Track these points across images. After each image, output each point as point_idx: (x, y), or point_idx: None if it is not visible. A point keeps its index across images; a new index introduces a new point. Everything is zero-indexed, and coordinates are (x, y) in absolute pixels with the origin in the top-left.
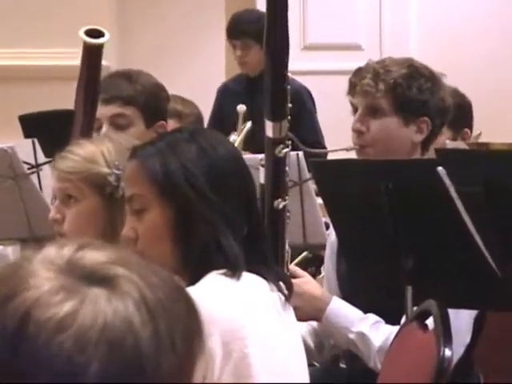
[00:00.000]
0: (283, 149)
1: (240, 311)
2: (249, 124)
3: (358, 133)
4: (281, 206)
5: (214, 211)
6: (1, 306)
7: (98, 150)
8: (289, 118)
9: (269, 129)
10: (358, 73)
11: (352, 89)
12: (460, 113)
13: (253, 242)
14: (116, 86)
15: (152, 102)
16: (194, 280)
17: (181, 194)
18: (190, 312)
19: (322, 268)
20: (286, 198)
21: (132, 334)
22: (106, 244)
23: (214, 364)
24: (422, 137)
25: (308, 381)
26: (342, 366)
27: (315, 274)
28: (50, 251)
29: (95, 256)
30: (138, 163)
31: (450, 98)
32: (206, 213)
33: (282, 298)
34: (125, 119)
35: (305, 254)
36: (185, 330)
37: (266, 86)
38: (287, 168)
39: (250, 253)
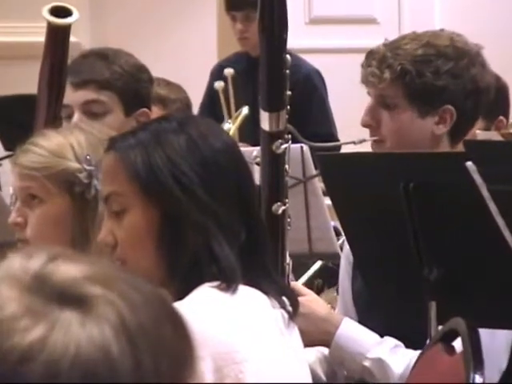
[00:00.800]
0: (282, 144)
1: (235, 332)
2: (245, 110)
3: (367, 127)
4: (280, 211)
5: (206, 214)
6: None
7: (67, 143)
8: (288, 107)
9: (264, 121)
10: (368, 57)
11: (361, 76)
12: (495, 98)
13: (252, 249)
14: (90, 68)
15: (132, 86)
16: (182, 294)
17: (167, 192)
18: (178, 333)
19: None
20: (286, 201)
21: (109, 363)
22: (80, 254)
23: None
24: (445, 128)
25: None
26: None
27: (323, 288)
28: (15, 263)
29: (67, 270)
30: (116, 156)
31: (488, 75)
32: (197, 215)
33: (286, 315)
34: (100, 106)
35: (320, 263)
36: (171, 355)
37: (261, 70)
38: (287, 166)
39: (248, 262)
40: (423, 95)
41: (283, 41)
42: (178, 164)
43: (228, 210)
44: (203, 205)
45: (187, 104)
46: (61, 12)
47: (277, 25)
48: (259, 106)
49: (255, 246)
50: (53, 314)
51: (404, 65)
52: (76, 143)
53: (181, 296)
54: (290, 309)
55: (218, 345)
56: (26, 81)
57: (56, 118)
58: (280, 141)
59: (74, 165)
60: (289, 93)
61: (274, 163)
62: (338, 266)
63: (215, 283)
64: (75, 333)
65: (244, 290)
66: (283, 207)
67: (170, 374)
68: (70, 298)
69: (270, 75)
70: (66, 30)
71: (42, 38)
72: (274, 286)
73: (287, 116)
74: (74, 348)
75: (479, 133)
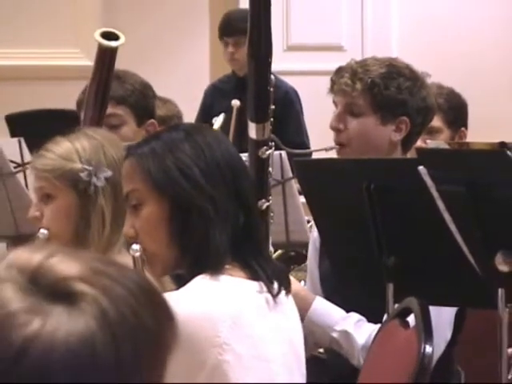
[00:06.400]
0: (267, 150)
1: (217, 317)
2: (220, 118)
3: (335, 131)
4: (264, 207)
5: (207, 199)
6: None
7: (73, 147)
8: (272, 119)
9: (252, 130)
10: (338, 71)
11: (332, 87)
12: (458, 113)
13: (248, 236)
14: None
15: (141, 100)
16: (191, 273)
17: (174, 184)
18: (159, 319)
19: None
20: (270, 198)
21: (94, 355)
22: (73, 251)
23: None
24: (400, 136)
25: (304, 379)
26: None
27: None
28: (13, 265)
29: (59, 269)
30: (133, 161)
31: (433, 98)
32: (199, 201)
33: (271, 299)
34: (117, 119)
35: (279, 252)
36: (152, 340)
37: (249, 87)
38: (270, 168)
39: (245, 248)
40: (387, 105)
41: (268, 63)
42: (184, 161)
43: (226, 198)
44: (205, 192)
45: (180, 117)
46: (110, 36)
47: (264, 49)
48: (246, 118)
49: (251, 234)
50: (45, 310)
51: (373, 78)
52: (80, 147)
53: (191, 273)
54: (275, 292)
55: (199, 329)
56: (50, 98)
57: (100, 124)
58: (265, 147)
59: (78, 165)
60: (272, 107)
61: (260, 166)
62: (297, 252)
63: (206, 275)
64: (65, 326)
65: (229, 279)
66: (267, 203)
67: (151, 357)
68: (59, 295)
69: (256, 92)
70: (113, 52)
71: (64, 62)
72: (267, 268)
73: (271, 127)
74: (64, 340)
75: (429, 142)
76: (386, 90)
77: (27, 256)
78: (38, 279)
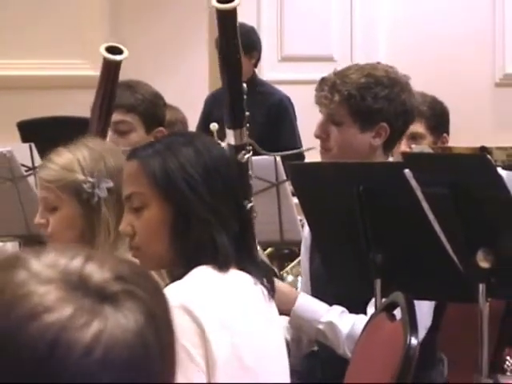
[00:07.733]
0: (245, 154)
1: (224, 302)
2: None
3: (319, 138)
4: (247, 208)
5: (209, 210)
6: (19, 328)
7: (74, 158)
8: (248, 125)
9: (230, 137)
10: (320, 84)
11: (315, 99)
12: (440, 120)
13: (242, 239)
14: (119, 96)
15: (151, 109)
16: (186, 269)
17: (179, 193)
18: (170, 313)
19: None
20: (252, 199)
21: (147, 348)
22: (102, 254)
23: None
24: (380, 141)
25: (288, 373)
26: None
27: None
28: (55, 267)
29: (100, 272)
30: (138, 163)
31: (414, 98)
32: (202, 211)
33: (265, 291)
34: (126, 125)
35: (270, 249)
36: (172, 334)
37: (225, 98)
38: (250, 171)
39: (239, 248)
40: (364, 115)
41: (240, 76)
42: (188, 170)
43: (225, 207)
44: (207, 203)
45: (185, 122)
46: (115, 50)
47: (234, 60)
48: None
49: (244, 236)
50: (101, 311)
51: (350, 90)
52: (82, 158)
53: (184, 272)
54: (268, 286)
55: (208, 312)
56: (58, 106)
57: (104, 132)
58: (243, 152)
59: (80, 176)
60: (247, 113)
61: (241, 170)
62: (291, 250)
63: (211, 265)
64: (121, 324)
65: (233, 272)
66: (250, 204)
67: (173, 345)
68: (105, 296)
69: (231, 101)
70: (117, 65)
71: (72, 72)
72: (257, 267)
73: (247, 132)
74: (123, 337)
75: (414, 147)
76: (362, 101)
77: (66, 259)
78: (84, 283)
